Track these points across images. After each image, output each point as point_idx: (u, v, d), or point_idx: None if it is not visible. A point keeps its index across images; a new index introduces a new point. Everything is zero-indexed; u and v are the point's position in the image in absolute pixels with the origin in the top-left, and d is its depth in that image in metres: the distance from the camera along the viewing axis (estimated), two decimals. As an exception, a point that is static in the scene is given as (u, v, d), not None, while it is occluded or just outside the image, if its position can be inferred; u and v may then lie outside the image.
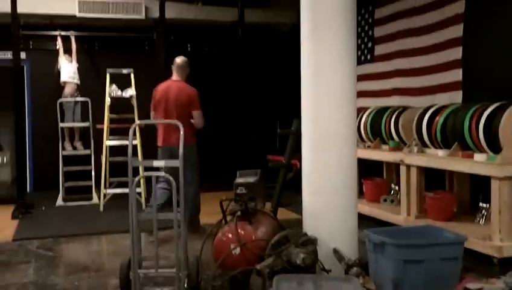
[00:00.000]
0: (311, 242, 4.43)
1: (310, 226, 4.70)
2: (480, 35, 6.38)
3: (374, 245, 4.16)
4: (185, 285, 4.21)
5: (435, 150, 6.15)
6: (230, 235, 4.52)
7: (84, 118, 9.22)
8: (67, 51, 9.60)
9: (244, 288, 4.29)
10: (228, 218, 4.79)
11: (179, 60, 6.65)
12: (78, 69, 9.56)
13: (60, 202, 8.67)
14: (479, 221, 5.93)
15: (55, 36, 9.66)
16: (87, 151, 9.09)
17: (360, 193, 7.27)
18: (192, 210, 6.41)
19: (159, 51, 9.44)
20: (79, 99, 9.29)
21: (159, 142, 6.53)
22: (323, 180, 4.67)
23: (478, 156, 5.45)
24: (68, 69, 9.39)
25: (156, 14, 9.45)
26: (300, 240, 4.39)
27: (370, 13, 8.49)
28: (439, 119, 6.04)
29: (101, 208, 8.21)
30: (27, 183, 9.77)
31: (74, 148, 9.34)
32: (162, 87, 6.60)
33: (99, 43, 10.38)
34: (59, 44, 9.58)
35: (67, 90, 9.29)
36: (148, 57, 10.04)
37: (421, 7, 7.27)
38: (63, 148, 9.07)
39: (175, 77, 6.64)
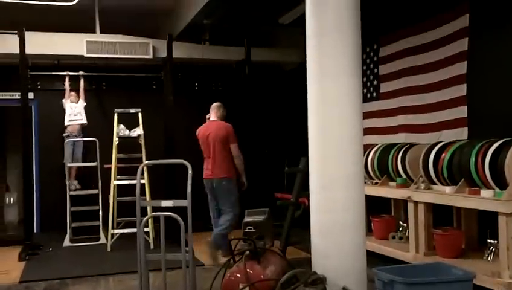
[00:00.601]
0: (321, 281, 4.42)
1: (318, 265, 4.69)
2: (485, 72, 6.45)
3: (383, 283, 4.14)
4: (194, 326, 4.19)
5: (442, 187, 6.15)
6: (239, 275, 4.52)
7: (92, 158, 9.28)
8: (75, 91, 9.69)
9: (253, 328, 4.27)
10: (237, 257, 4.79)
11: (215, 103, 7.62)
12: (86, 108, 9.65)
13: (67, 242, 8.66)
14: (488, 257, 5.89)
15: (63, 76, 9.79)
16: (95, 191, 9.11)
17: (369, 230, 7.26)
18: (217, 236, 7.08)
19: (167, 90, 9.55)
20: (85, 139, 9.36)
21: (204, 175, 7.26)
22: (332, 218, 4.69)
23: (485, 193, 5.44)
24: (70, 112, 9.46)
25: (163, 53, 9.59)
26: (310, 279, 4.38)
27: (375, 51, 8.59)
28: (446, 156, 6.06)
29: (109, 248, 8.20)
30: (34, 224, 9.77)
31: (70, 186, 9.32)
32: (201, 130, 7.48)
33: (107, 82, 10.53)
34: (66, 86, 9.68)
35: (69, 129, 9.38)
36: (156, 96, 10.17)
37: (425, 45, 7.36)
38: (69, 188, 9.08)
39: (212, 117, 7.48)
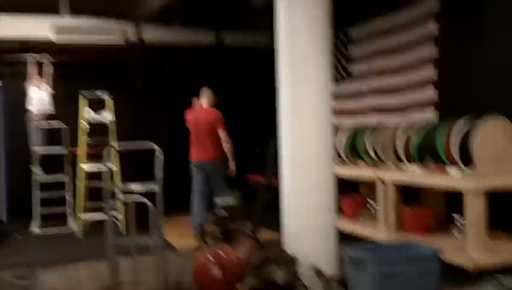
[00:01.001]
0: (292, 261, 4.45)
1: (290, 245, 4.73)
2: (454, 53, 6.52)
3: (353, 261, 4.20)
4: (166, 309, 4.18)
5: (410, 167, 6.23)
6: (211, 258, 4.52)
7: (59, 143, 9.12)
8: (42, 76, 9.51)
9: (225, 310, 4.28)
10: (209, 240, 4.79)
11: (206, 89, 7.83)
12: (53, 94, 9.47)
13: (35, 229, 8.55)
14: (455, 234, 6.01)
15: (30, 60, 9.58)
16: (63, 177, 8.99)
17: (339, 210, 7.32)
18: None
19: (137, 73, 9.44)
20: (52, 124, 9.18)
21: (191, 157, 7.55)
22: (303, 200, 4.73)
23: (452, 171, 5.54)
24: (36, 99, 9.23)
25: (133, 36, 9.46)
26: (281, 259, 4.41)
27: (345, 33, 8.61)
28: (414, 136, 6.13)
29: (78, 235, 8.13)
30: (2, 211, 9.60)
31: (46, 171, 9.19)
32: (191, 112, 7.81)
33: (76, 67, 10.33)
34: (32, 71, 9.48)
35: (34, 115, 9.20)
36: (126, 80, 10.03)
37: (396, 27, 7.40)
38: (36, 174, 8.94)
39: (203, 103, 7.74)
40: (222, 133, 7.43)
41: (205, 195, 7.33)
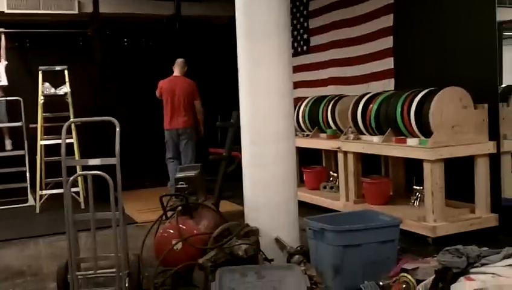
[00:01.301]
0: (253, 233, 4.46)
1: (251, 218, 4.74)
2: (411, 23, 6.57)
3: (314, 232, 4.24)
4: (126, 285, 4.15)
5: (370, 137, 6.30)
6: (171, 231, 4.51)
7: (16, 118, 8.90)
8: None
9: (187, 283, 4.28)
10: (169, 214, 4.76)
11: (179, 59, 8.31)
12: (8, 67, 9.19)
13: (-7, 205, 8.38)
14: (414, 203, 6.14)
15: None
16: (21, 152, 8.77)
17: (301, 181, 7.39)
18: None
19: (95, 46, 9.23)
20: (8, 98, 8.93)
21: (166, 126, 8.16)
22: (263, 172, 4.73)
23: (410, 141, 5.62)
24: None
25: (89, 8, 9.23)
26: (242, 232, 4.41)
27: (305, 5, 8.58)
28: (373, 107, 6.19)
29: (37, 210, 7.99)
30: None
31: (2, 148, 8.98)
32: (166, 81, 8.18)
33: (31, 40, 10.05)
34: None
35: None
36: (83, 53, 9.81)
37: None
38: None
39: (176, 72, 8.24)
40: (198, 103, 8.16)
41: (179, 160, 8.09)
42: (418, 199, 6.09)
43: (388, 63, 6.85)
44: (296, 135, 6.35)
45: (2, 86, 9.07)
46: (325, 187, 7.40)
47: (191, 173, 5.03)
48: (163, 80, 8.32)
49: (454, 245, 3.58)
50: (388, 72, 6.85)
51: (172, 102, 8.11)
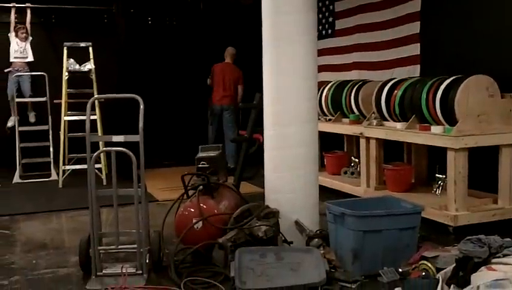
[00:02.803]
0: (273, 215, 4.47)
1: (272, 199, 4.74)
2: (438, 9, 6.47)
3: (334, 216, 4.23)
4: (147, 261, 4.20)
5: (393, 123, 6.24)
6: (192, 210, 4.54)
7: (40, 93, 8.99)
8: (22, 24, 9.27)
9: (206, 262, 4.32)
10: (190, 192, 4.79)
11: (230, 48, 9.40)
12: (34, 42, 9.26)
13: (17, 179, 8.48)
14: (436, 191, 6.08)
15: (9, 8, 9.32)
16: (45, 127, 8.88)
17: (322, 166, 7.37)
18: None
19: (119, 24, 9.26)
20: (34, 73, 9.02)
21: (214, 102, 9.28)
22: (285, 154, 4.71)
23: (435, 129, 5.55)
24: (16, 48, 9.06)
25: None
26: (263, 213, 4.43)
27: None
28: (398, 93, 6.12)
29: (60, 185, 8.09)
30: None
31: (27, 121, 9.08)
32: (219, 66, 9.30)
33: (56, 15, 10.11)
34: (11, 19, 9.24)
35: (12, 66, 9.03)
36: (108, 30, 9.85)
37: (381, -18, 7.32)
38: (8, 128, 8.82)
39: (228, 60, 9.37)
40: (241, 88, 9.29)
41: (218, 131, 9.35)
42: (440, 188, 6.04)
43: (414, 49, 6.76)
44: (319, 119, 6.31)
45: (29, 62, 9.15)
46: (346, 172, 7.37)
47: (213, 153, 5.04)
48: (216, 64, 9.32)
49: (475, 235, 3.55)
50: (414, 58, 6.77)
51: (223, 84, 9.21)
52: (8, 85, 9.00)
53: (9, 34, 9.14)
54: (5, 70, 8.99)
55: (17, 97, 8.95)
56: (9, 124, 9.01)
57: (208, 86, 9.48)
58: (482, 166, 5.54)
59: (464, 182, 5.22)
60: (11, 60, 9.06)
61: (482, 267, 3.28)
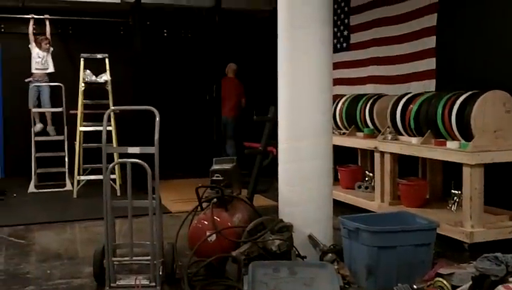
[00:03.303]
0: (287, 229, 4.45)
1: (285, 213, 4.72)
2: (454, 24, 6.45)
3: (349, 231, 4.20)
4: (160, 273, 4.20)
5: (408, 138, 6.21)
6: (206, 222, 4.53)
7: (57, 104, 9.07)
8: (41, 35, 9.37)
9: (220, 275, 4.30)
10: (204, 205, 4.79)
11: (233, 65, 10.30)
12: (52, 53, 9.35)
13: (32, 188, 8.54)
14: (451, 207, 6.03)
15: (28, 19, 9.44)
16: (60, 137, 8.97)
17: (335, 180, 7.33)
18: None
19: (135, 36, 9.31)
20: (45, 84, 9.11)
21: (223, 113, 9.99)
22: (299, 167, 4.70)
23: (450, 144, 5.52)
24: (37, 60, 9.15)
25: (132, -1, 9.31)
26: (276, 227, 4.42)
27: (346, 2, 8.51)
28: (413, 107, 6.10)
29: (75, 195, 8.13)
30: (-1, 169, 9.62)
31: (46, 133, 9.18)
32: (226, 81, 10.11)
33: (74, 27, 10.22)
34: (30, 30, 9.35)
35: (33, 76, 9.12)
36: (124, 42, 9.93)
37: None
38: (35, 133, 8.90)
39: (230, 75, 10.29)
40: (244, 101, 10.24)
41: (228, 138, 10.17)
42: (456, 204, 5.98)
43: (430, 64, 6.74)
44: (333, 132, 6.30)
45: (50, 73, 9.25)
46: (359, 187, 7.34)
47: (227, 166, 5.04)
48: (223, 78, 10.04)
49: (491, 252, 3.51)
50: (429, 72, 6.74)
51: (228, 98, 9.98)
52: (29, 95, 9.07)
53: (29, 45, 9.24)
54: (26, 80, 9.07)
55: (37, 107, 9.04)
56: (37, 129, 9.07)
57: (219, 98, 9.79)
58: (499, 182, 5.49)
59: (480, 199, 5.17)
60: (32, 70, 9.14)
61: (499, 286, 3.25)
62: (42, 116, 9.29)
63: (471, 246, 5.12)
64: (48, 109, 9.16)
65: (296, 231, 4.51)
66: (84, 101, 8.43)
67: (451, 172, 5.95)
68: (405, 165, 6.52)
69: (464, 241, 5.17)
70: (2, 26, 9.76)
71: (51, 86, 9.13)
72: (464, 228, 5.21)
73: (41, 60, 9.16)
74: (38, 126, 9.09)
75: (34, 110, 8.95)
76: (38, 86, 9.09)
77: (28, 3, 9.37)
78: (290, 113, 4.73)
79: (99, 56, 8.54)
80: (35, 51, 9.18)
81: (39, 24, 9.54)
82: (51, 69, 9.26)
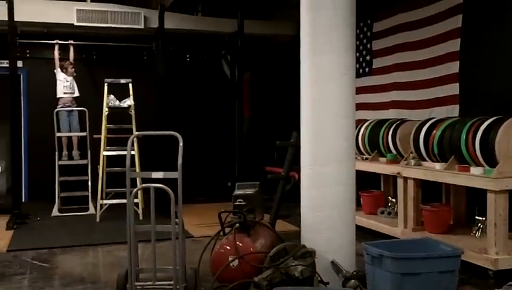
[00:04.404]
0: (310, 254, 4.43)
1: (308, 239, 4.71)
2: (478, 49, 6.43)
3: (372, 258, 4.17)
4: (183, 297, 4.20)
5: (432, 163, 6.17)
6: (228, 248, 4.54)
7: (81, 128, 9.20)
8: (64, 60, 9.54)
9: (242, 301, 4.29)
10: (226, 230, 4.79)
11: None
12: (75, 78, 9.51)
13: (55, 212, 8.62)
14: (475, 234, 5.95)
15: (53, 45, 9.63)
16: (84, 161, 9.08)
17: (358, 205, 7.27)
18: None
19: (158, 61, 9.44)
20: (75, 109, 9.26)
21: None
22: (322, 193, 4.70)
23: (474, 170, 5.47)
24: (65, 84, 9.30)
25: (155, 24, 9.45)
26: (299, 253, 4.40)
27: (368, 27, 8.54)
28: (436, 133, 6.07)
29: (98, 219, 8.18)
30: (22, 193, 9.70)
31: (71, 158, 9.31)
32: None
33: (97, 52, 10.40)
34: (55, 55, 9.52)
35: (62, 101, 9.27)
36: (147, 67, 10.08)
37: (419, 21, 7.32)
38: (60, 158, 9.03)
39: None
40: None
41: None
42: (480, 230, 5.90)
43: (453, 89, 6.71)
44: (355, 157, 6.28)
45: (76, 97, 9.39)
46: (382, 212, 7.28)
47: (250, 191, 5.05)
48: None
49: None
50: (453, 97, 6.71)
51: None
52: (60, 120, 9.20)
53: (55, 70, 9.41)
54: (58, 109, 9.17)
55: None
56: (65, 157, 9.20)
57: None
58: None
59: (505, 225, 5.10)
60: (60, 95, 9.28)
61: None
62: (68, 141, 9.41)
63: (496, 274, 5.04)
64: (73, 134, 9.28)
65: (318, 256, 4.49)
66: (107, 125, 8.52)
67: (475, 198, 5.88)
68: (428, 190, 6.47)
69: (489, 268, 5.09)
70: (28, 51, 9.96)
71: (73, 111, 9.26)
72: (488, 254, 5.14)
73: (68, 84, 9.32)
74: (65, 154, 9.21)
75: (59, 134, 9.06)
76: (68, 111, 9.22)
77: (52, 29, 9.58)
78: (313, 138, 4.75)
79: (122, 81, 8.65)
80: (61, 76, 9.33)
81: (63, 49, 9.71)
82: (77, 93, 9.42)
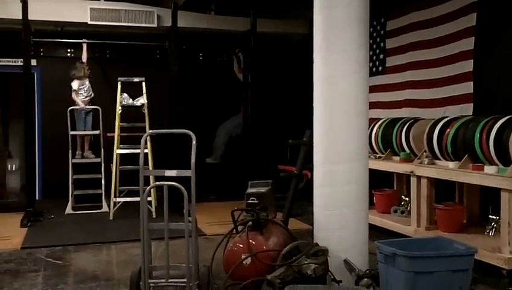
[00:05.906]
0: (322, 253, 4.43)
1: (321, 237, 4.71)
2: (492, 48, 6.40)
3: (385, 256, 4.16)
4: (196, 295, 4.21)
5: (445, 162, 6.14)
6: (241, 245, 4.55)
7: (94, 126, 9.26)
8: (79, 61, 9.61)
9: (254, 298, 4.30)
10: (239, 228, 4.80)
11: None
12: (89, 77, 9.55)
13: (69, 210, 8.69)
14: (489, 233, 5.92)
15: (66, 43, 9.68)
16: (98, 160, 9.13)
17: (371, 204, 7.26)
18: None
19: (171, 59, 9.46)
20: (89, 107, 9.32)
21: None
22: (335, 191, 4.70)
23: (488, 169, 5.44)
24: (79, 92, 9.34)
25: (168, 23, 9.47)
26: (312, 251, 4.40)
27: (382, 25, 8.51)
28: (450, 131, 6.04)
29: (111, 217, 8.23)
30: (36, 190, 9.77)
31: (84, 157, 9.37)
32: None
33: (111, 51, 10.46)
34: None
35: (80, 105, 9.31)
36: (160, 65, 10.11)
37: (433, 20, 7.28)
38: (74, 156, 9.09)
39: None
40: None
41: None
42: (494, 229, 5.87)
43: (467, 87, 6.67)
44: (369, 156, 6.26)
45: (92, 97, 9.47)
46: (395, 211, 7.26)
47: (263, 189, 5.05)
48: None
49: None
50: (467, 96, 6.68)
51: None
52: (77, 121, 9.27)
53: (73, 71, 9.44)
54: (72, 107, 9.21)
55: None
56: (78, 156, 9.28)
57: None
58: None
59: (520, 224, 5.07)
60: (79, 104, 9.29)
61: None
62: (81, 140, 9.47)
63: (509, 273, 5.01)
64: (86, 132, 9.33)
65: (331, 255, 4.49)
66: (120, 124, 8.56)
67: (489, 197, 5.85)
68: (442, 189, 6.44)
69: (502, 267, 5.06)
70: (41, 50, 10.03)
71: (88, 110, 9.32)
72: (502, 253, 5.11)
73: (84, 88, 9.39)
74: (79, 153, 9.28)
75: (72, 133, 9.11)
76: (87, 111, 9.29)
77: (66, 27, 9.64)
78: (326, 137, 4.74)
79: (136, 80, 8.68)
80: (75, 85, 9.33)
81: (76, 48, 9.76)
82: (92, 94, 9.48)
